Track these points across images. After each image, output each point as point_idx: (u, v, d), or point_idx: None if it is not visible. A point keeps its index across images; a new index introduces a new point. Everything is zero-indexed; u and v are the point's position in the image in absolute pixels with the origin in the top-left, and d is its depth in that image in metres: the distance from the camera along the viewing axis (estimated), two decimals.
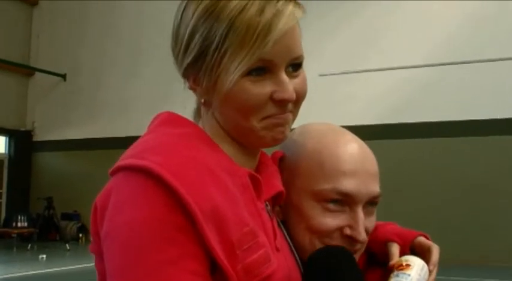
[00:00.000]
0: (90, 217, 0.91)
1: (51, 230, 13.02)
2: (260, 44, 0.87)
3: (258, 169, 1.03)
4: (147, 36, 13.11)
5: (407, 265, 1.06)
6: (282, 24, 0.88)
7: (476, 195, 9.50)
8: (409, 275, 1.04)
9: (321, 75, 10.69)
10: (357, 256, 1.09)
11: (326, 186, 1.04)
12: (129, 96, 13.27)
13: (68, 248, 11.44)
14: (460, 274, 8.07)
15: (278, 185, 1.02)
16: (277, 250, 0.96)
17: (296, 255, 1.05)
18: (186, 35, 0.93)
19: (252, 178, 0.95)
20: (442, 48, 10.17)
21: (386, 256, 1.12)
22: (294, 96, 0.92)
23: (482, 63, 9.85)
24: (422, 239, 1.16)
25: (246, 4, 0.88)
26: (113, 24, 13.89)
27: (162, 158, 0.84)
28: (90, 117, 13.88)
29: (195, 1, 0.92)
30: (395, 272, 1.05)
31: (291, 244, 1.06)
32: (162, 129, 0.94)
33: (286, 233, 1.07)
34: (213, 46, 0.89)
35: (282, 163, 1.12)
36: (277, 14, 0.88)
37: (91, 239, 0.94)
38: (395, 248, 1.13)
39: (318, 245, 1.05)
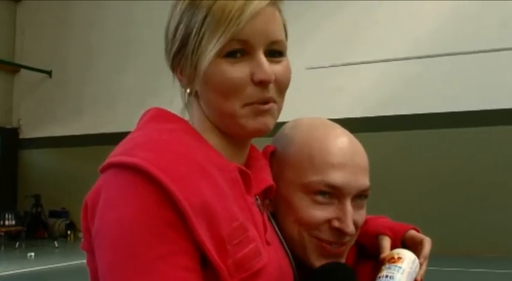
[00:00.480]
0: (81, 214, 0.91)
1: (39, 227, 12.96)
2: (234, 24, 0.90)
3: (248, 163, 1.04)
4: (133, 30, 13.05)
5: (399, 258, 1.07)
6: (255, 4, 0.90)
7: (464, 187, 9.57)
8: (401, 267, 1.05)
9: (308, 68, 10.70)
10: (347, 248, 1.09)
11: (315, 178, 1.05)
12: (116, 92, 13.21)
13: (57, 245, 11.39)
14: (447, 264, 8.14)
15: (268, 180, 1.03)
16: (268, 243, 0.96)
17: (287, 248, 1.06)
18: (172, 29, 0.96)
19: (242, 172, 0.95)
20: (427, 41, 10.22)
21: (377, 249, 1.13)
22: (272, 77, 0.92)
23: (467, 55, 9.91)
24: (413, 232, 1.17)
25: None
26: (98, 18, 13.81)
27: (152, 155, 0.84)
28: (77, 114, 13.81)
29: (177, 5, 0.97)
30: (387, 265, 1.06)
31: (281, 238, 1.06)
32: (152, 126, 0.94)
33: (276, 227, 1.07)
34: (193, 33, 0.92)
35: (273, 156, 1.13)
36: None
37: (82, 236, 0.94)
38: (386, 242, 1.14)
39: (307, 237, 1.06)
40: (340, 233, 1.05)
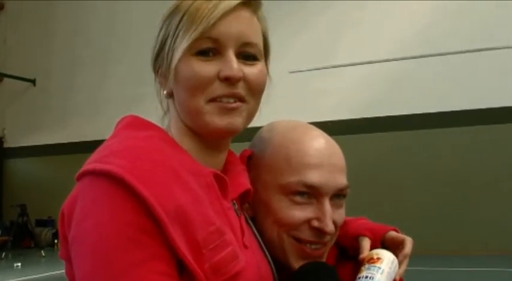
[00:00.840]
0: (58, 223, 0.91)
1: (25, 237, 12.84)
2: (205, 21, 0.93)
3: (225, 168, 1.05)
4: (116, 39, 13.01)
5: (378, 259, 1.08)
6: (226, 3, 0.94)
7: (453, 186, 9.62)
8: (380, 268, 1.06)
9: (291, 72, 10.72)
10: (326, 249, 1.10)
11: (292, 179, 1.07)
12: (101, 99, 13.15)
13: (44, 254, 11.29)
14: (440, 264, 8.18)
15: (245, 183, 1.04)
16: (246, 247, 0.97)
17: (266, 251, 1.07)
18: (156, 35, 1.01)
19: (217, 177, 0.96)
20: (413, 42, 10.28)
21: (357, 250, 1.15)
22: (239, 74, 0.94)
23: (453, 55, 9.97)
24: (394, 233, 1.18)
25: None
26: (81, 26, 13.74)
27: (126, 162, 0.85)
28: (62, 122, 13.72)
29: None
30: (367, 265, 1.07)
31: (260, 241, 1.07)
32: (126, 133, 0.95)
33: (255, 231, 1.08)
34: (171, 34, 0.96)
35: (251, 160, 1.14)
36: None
37: (60, 245, 0.95)
38: (366, 242, 1.15)
39: (286, 239, 1.07)
40: (319, 232, 1.06)
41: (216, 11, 0.93)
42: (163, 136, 0.97)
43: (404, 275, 1.13)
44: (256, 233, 1.07)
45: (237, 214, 1.01)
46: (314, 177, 1.06)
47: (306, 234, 1.07)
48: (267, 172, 1.10)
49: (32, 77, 14.31)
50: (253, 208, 1.10)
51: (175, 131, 1.01)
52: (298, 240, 1.07)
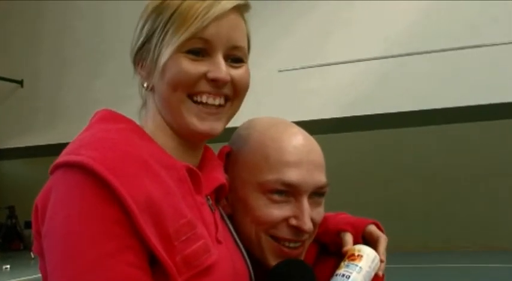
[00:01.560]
0: (32, 217, 0.92)
1: (14, 239, 12.75)
2: (199, 21, 0.94)
3: (201, 164, 1.05)
4: (104, 39, 12.95)
5: (359, 255, 1.08)
6: (222, 4, 0.95)
7: (438, 183, 9.67)
8: (358, 265, 1.06)
9: (280, 71, 10.72)
10: (304, 248, 1.10)
11: (270, 177, 1.06)
12: (90, 99, 13.07)
13: (33, 256, 11.20)
14: (425, 260, 8.22)
15: (219, 178, 1.04)
16: (219, 242, 0.97)
17: (241, 247, 1.06)
18: (140, 26, 1.01)
19: (190, 171, 0.96)
20: (399, 40, 10.32)
21: (339, 246, 1.14)
22: (228, 78, 0.97)
23: (439, 53, 10.02)
24: (372, 228, 1.18)
25: None
26: (69, 27, 13.66)
27: (97, 153, 0.85)
28: (51, 123, 13.63)
29: (149, 6, 1.01)
30: (346, 262, 1.07)
31: (236, 238, 1.07)
32: (99, 126, 0.96)
33: (231, 227, 1.08)
34: (159, 28, 0.96)
35: (229, 157, 1.14)
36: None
37: (33, 240, 0.95)
38: (348, 237, 1.16)
39: (264, 238, 1.07)
40: (297, 230, 1.06)
41: (210, 12, 0.94)
42: (136, 129, 0.97)
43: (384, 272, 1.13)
44: (232, 230, 1.07)
45: (211, 209, 1.01)
46: (292, 175, 1.06)
47: (283, 232, 1.06)
48: (245, 169, 1.09)
49: (19, 78, 14.21)
50: (231, 206, 1.10)
51: (152, 125, 1.01)
52: (276, 238, 1.07)
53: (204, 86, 0.97)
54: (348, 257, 1.08)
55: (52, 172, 0.89)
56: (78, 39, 13.50)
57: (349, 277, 1.04)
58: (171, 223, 0.86)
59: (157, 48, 0.96)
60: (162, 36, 0.96)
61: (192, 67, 0.95)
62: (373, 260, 1.08)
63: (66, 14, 13.72)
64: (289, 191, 1.06)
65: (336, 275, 1.06)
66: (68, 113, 13.43)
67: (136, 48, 1.01)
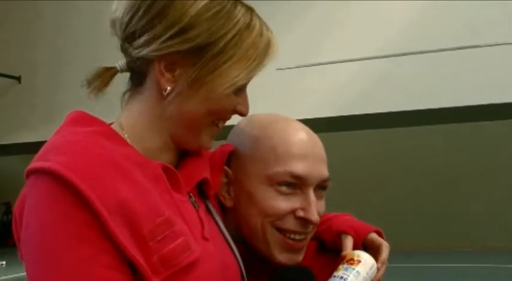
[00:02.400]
0: (12, 225, 0.92)
1: (10, 235, 12.72)
2: (258, 65, 0.96)
3: (181, 162, 1.04)
4: (102, 36, 12.90)
5: (358, 261, 1.09)
6: (274, 51, 1.01)
7: (436, 183, 9.69)
8: (357, 271, 1.07)
9: (278, 69, 10.73)
10: (307, 241, 1.12)
11: (279, 169, 1.08)
12: (87, 97, 13.07)
13: None
14: (425, 260, 8.23)
15: (199, 174, 1.03)
16: (206, 239, 0.96)
17: (231, 244, 1.06)
18: (186, 17, 0.93)
19: (166, 169, 0.95)
20: (397, 40, 10.32)
21: (337, 245, 1.16)
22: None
23: (435, 53, 10.03)
24: (374, 236, 1.19)
25: (251, 21, 0.96)
26: (67, 23, 13.64)
27: (65, 158, 0.85)
28: (48, 120, 13.59)
29: None
30: (345, 265, 1.08)
31: (225, 234, 1.07)
32: (69, 129, 0.96)
33: (221, 223, 1.07)
34: (218, 48, 0.92)
35: (232, 155, 1.14)
36: (271, 38, 1.00)
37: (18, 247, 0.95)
38: (349, 241, 1.16)
39: (270, 230, 1.08)
40: (304, 222, 1.08)
41: (268, 57, 1.01)
42: (107, 131, 0.96)
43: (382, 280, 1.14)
44: (222, 226, 1.07)
45: (195, 207, 1.00)
46: (300, 167, 1.07)
47: (290, 224, 1.08)
48: (250, 163, 1.10)
49: (17, 74, 14.19)
50: (234, 199, 1.11)
51: (139, 120, 0.99)
52: (282, 231, 1.08)
53: (225, 114, 1.01)
54: (347, 261, 1.09)
55: (26, 178, 0.89)
56: (77, 37, 13.49)
57: (347, 279, 1.05)
58: (145, 223, 0.85)
59: (211, 69, 0.93)
60: (221, 59, 0.93)
61: (234, 99, 0.99)
62: (371, 267, 1.10)
63: (64, 11, 13.70)
64: (297, 184, 1.08)
65: (334, 276, 1.07)
66: (65, 110, 13.26)
67: (171, 48, 0.94)
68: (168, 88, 0.96)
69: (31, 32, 14.12)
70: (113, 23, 1.02)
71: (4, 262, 9.98)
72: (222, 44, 0.92)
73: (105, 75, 1.03)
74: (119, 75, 1.06)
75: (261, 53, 0.96)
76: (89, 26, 13.40)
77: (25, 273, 0.89)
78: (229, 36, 0.92)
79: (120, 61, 1.04)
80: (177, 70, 0.95)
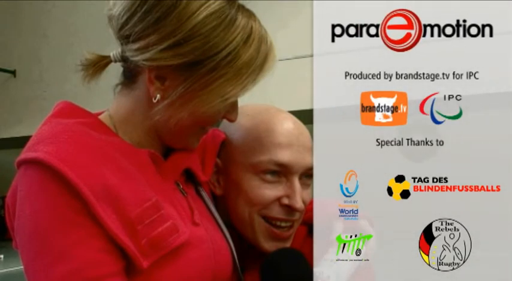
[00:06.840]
0: (5, 215, 0.97)
1: (7, 229, 12.73)
2: (252, 82, 0.96)
3: (170, 152, 1.05)
4: (100, 29, 12.88)
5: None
6: (270, 66, 0.99)
7: None
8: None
9: (279, 60, 10.71)
10: (294, 228, 1.14)
11: (263, 158, 1.10)
12: (84, 90, 13.03)
13: None
14: None
15: (183, 163, 1.04)
16: (196, 224, 0.98)
17: (223, 228, 1.08)
18: (182, 31, 0.92)
19: (153, 156, 0.97)
20: None
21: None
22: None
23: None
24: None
25: (250, 34, 0.94)
26: (64, 18, 13.59)
27: (53, 147, 0.87)
28: (43, 114, 13.48)
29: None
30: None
31: (218, 219, 1.09)
32: (57, 120, 0.98)
33: (212, 208, 1.09)
34: (211, 65, 0.91)
35: (223, 143, 1.17)
36: (269, 52, 0.99)
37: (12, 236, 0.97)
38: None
39: (257, 219, 1.11)
40: (289, 209, 1.10)
41: (263, 73, 1.00)
42: (93, 122, 0.98)
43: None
44: (214, 211, 1.09)
45: (183, 194, 1.01)
46: (284, 156, 1.09)
47: (275, 212, 1.10)
48: (238, 152, 1.13)
49: (12, 68, 14.15)
50: (224, 188, 1.13)
51: (125, 117, 1.01)
52: (268, 219, 1.11)
53: (212, 121, 1.04)
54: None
55: (17, 169, 0.92)
56: (76, 35, 13.45)
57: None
58: (133, 208, 0.87)
59: (202, 84, 0.93)
60: (215, 75, 0.92)
61: (220, 110, 1.01)
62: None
63: (61, 5, 13.65)
64: (281, 172, 1.10)
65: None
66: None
67: (167, 62, 0.93)
68: (158, 96, 0.96)
69: (26, 26, 14.06)
70: (110, 19, 1.01)
71: (2, 256, 10.00)
72: (216, 60, 0.91)
73: (99, 64, 1.04)
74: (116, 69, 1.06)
75: (256, 69, 0.95)
76: (87, 20, 13.36)
77: (22, 267, 0.91)
78: (224, 53, 0.91)
79: (114, 51, 1.03)
80: (167, 81, 0.95)
